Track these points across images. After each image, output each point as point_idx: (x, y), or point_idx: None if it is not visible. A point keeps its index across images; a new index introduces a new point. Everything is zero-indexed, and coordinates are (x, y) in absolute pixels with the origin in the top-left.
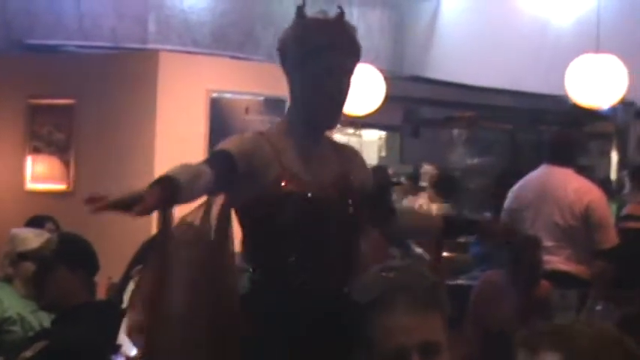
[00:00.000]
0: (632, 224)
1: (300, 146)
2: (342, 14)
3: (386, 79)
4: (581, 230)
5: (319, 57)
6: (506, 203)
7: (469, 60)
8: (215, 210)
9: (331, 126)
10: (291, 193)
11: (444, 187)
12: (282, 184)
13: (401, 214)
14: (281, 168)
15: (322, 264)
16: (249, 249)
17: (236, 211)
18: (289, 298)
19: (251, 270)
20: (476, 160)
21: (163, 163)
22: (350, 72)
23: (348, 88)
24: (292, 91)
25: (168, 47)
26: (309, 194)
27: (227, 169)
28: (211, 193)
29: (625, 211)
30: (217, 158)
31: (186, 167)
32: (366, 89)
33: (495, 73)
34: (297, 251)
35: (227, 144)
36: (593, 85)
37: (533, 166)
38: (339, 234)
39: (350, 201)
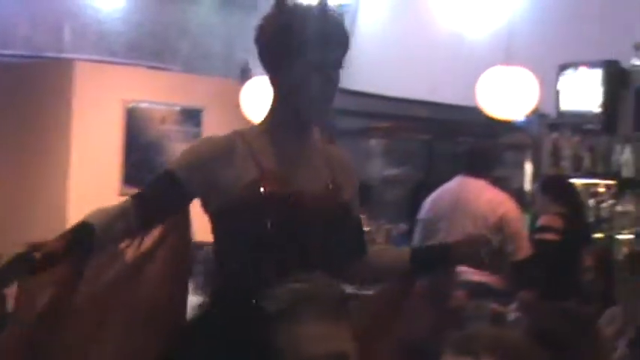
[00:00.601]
0: (548, 236)
1: (282, 146)
2: (325, 2)
3: None
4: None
5: (309, 50)
6: (421, 214)
7: (386, 71)
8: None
9: (320, 122)
10: (271, 195)
11: (359, 197)
12: (261, 185)
13: (370, 253)
14: (259, 169)
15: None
16: (223, 260)
17: (210, 221)
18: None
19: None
20: (393, 171)
21: (78, 173)
22: (339, 64)
23: (338, 81)
24: (277, 87)
25: (84, 57)
26: (292, 196)
27: (169, 196)
28: (136, 233)
29: (540, 222)
30: (157, 187)
31: (102, 213)
32: None
33: (412, 84)
34: (276, 261)
35: (182, 156)
36: (504, 96)
37: (450, 177)
38: (326, 243)
39: (339, 208)
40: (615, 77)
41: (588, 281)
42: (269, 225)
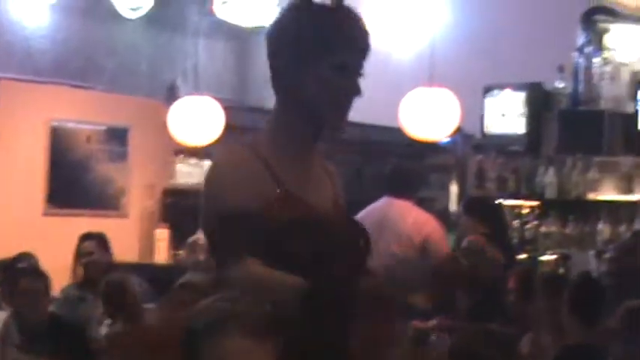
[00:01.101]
0: None
1: (295, 160)
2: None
3: (230, 109)
4: (418, 261)
5: (336, 52)
6: None
7: None
8: None
9: (339, 133)
10: (296, 219)
11: None
12: (283, 207)
13: None
14: (278, 188)
15: (330, 309)
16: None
17: (212, 245)
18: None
19: None
20: None
21: (1, 193)
22: (361, 71)
23: (360, 90)
24: (292, 92)
25: (9, 75)
26: (320, 220)
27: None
28: None
29: (465, 243)
30: (248, 234)
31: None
32: (208, 119)
33: None
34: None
35: (224, 192)
36: (426, 117)
37: (376, 198)
38: (352, 260)
39: (356, 225)
40: (539, 99)
41: (511, 303)
42: (296, 246)
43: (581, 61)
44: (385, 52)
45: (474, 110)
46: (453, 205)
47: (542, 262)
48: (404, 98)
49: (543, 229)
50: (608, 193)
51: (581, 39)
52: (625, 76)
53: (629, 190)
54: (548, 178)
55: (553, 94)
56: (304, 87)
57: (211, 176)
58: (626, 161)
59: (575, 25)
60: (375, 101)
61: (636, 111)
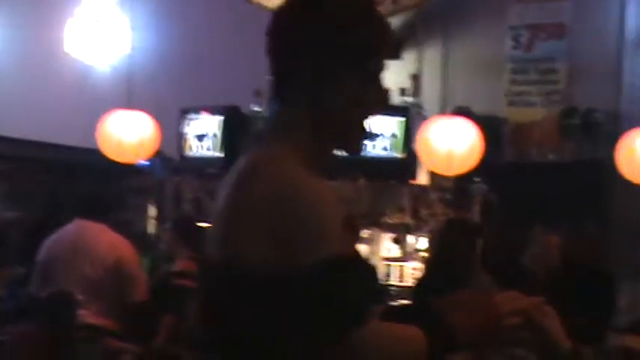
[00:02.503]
0: (185, 281)
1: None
2: None
3: None
4: (111, 284)
5: (374, 55)
6: (39, 256)
7: (7, 111)
8: None
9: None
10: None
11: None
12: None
13: None
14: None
15: None
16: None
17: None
18: None
19: None
20: (12, 214)
21: None
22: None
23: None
24: (324, 102)
25: None
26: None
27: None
28: None
29: (176, 267)
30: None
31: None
32: None
33: (35, 125)
34: None
35: (332, 229)
36: (124, 140)
37: (71, 220)
38: None
39: None
40: (235, 122)
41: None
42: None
43: None
44: (83, 74)
45: (172, 132)
46: (152, 227)
47: None
48: (101, 120)
49: None
50: None
51: None
52: None
53: None
54: None
55: (249, 117)
56: (332, 99)
57: (294, 205)
58: (348, 185)
59: None
60: (73, 123)
61: None
